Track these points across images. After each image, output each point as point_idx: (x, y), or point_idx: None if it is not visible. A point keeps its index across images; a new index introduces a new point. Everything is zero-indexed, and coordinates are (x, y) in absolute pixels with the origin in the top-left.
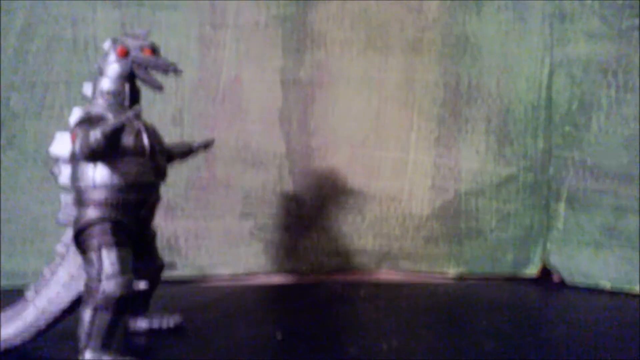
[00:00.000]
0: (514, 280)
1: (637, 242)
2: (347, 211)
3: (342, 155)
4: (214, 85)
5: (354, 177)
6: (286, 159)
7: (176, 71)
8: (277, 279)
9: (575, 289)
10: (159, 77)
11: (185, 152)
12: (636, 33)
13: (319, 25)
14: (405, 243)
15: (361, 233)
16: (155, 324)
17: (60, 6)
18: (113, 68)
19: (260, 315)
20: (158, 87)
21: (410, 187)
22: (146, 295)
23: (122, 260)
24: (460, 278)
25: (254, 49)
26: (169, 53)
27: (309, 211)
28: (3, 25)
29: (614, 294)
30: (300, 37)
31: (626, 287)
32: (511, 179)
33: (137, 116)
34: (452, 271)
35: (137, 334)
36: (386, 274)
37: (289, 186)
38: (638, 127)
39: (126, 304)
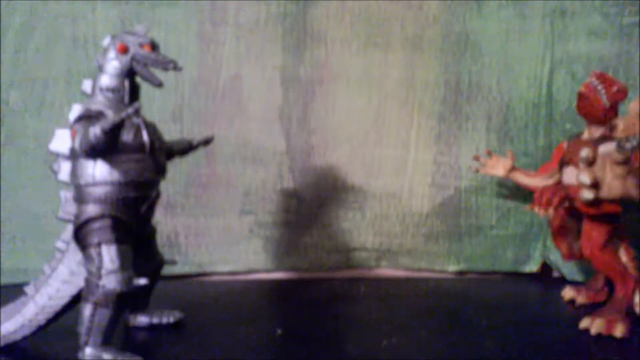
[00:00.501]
0: (514, 276)
1: (637, 240)
2: (347, 208)
3: (342, 152)
4: (213, 82)
5: (354, 174)
6: (286, 157)
7: (176, 68)
8: (277, 276)
9: (574, 285)
10: (159, 73)
11: (185, 149)
12: (637, 30)
13: (319, 23)
14: (405, 240)
15: (361, 230)
16: (155, 319)
17: (60, 3)
18: (112, 65)
19: (260, 311)
20: (157, 84)
21: (411, 185)
22: (146, 291)
23: (122, 257)
24: (460, 274)
25: (254, 47)
26: (168, 50)
27: (309, 208)
28: (3, 22)
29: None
30: (300, 35)
31: None
32: None
33: (137, 112)
34: (452, 268)
35: (137, 329)
36: (386, 271)
37: (289, 183)
38: (638, 124)
39: (126, 300)
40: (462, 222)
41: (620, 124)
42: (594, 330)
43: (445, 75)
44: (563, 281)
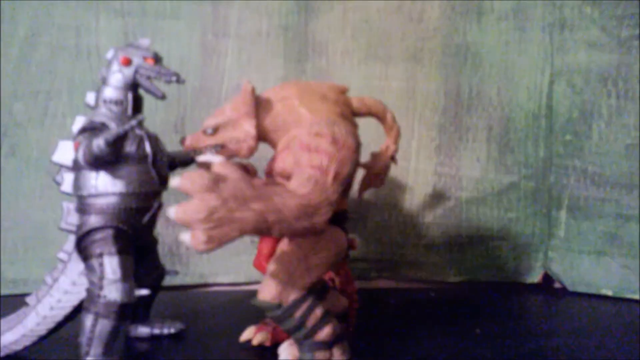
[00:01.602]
0: (516, 287)
1: (639, 250)
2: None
3: None
4: (216, 93)
5: (355, 184)
6: None
7: (178, 80)
8: None
9: (576, 295)
10: (163, 85)
11: (187, 160)
12: (636, 42)
13: (320, 35)
14: (406, 251)
15: (362, 240)
16: (156, 330)
17: (63, 15)
18: (116, 77)
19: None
20: (160, 96)
21: (411, 195)
22: (147, 301)
23: (123, 267)
24: (462, 285)
25: (256, 58)
26: (171, 61)
27: None
28: (7, 33)
29: (615, 300)
30: (301, 46)
31: (628, 294)
32: (512, 186)
33: (140, 124)
34: (453, 279)
35: (138, 340)
36: (387, 282)
37: None
38: (638, 135)
39: (127, 311)
40: (463, 232)
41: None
42: (242, 338)
43: (445, 86)
44: (565, 292)
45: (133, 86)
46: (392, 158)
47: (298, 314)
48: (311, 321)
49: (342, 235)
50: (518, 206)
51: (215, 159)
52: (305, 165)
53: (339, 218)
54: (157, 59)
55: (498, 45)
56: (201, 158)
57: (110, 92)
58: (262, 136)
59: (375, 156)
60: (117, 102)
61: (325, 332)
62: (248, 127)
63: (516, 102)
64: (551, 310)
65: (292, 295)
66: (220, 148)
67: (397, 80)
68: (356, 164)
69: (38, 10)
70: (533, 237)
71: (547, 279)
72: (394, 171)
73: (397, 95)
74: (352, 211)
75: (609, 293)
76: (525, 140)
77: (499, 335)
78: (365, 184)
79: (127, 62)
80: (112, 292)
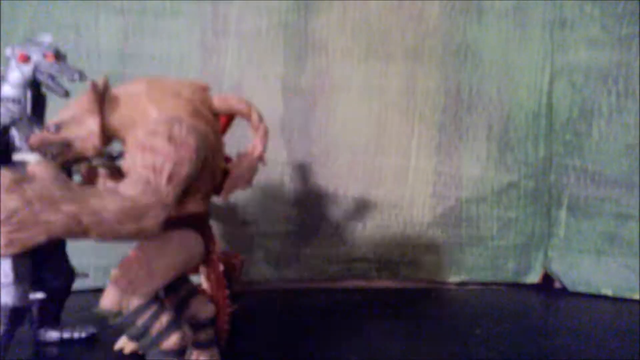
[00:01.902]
0: (516, 287)
1: (638, 249)
2: (348, 218)
3: (343, 162)
4: (215, 92)
5: (355, 184)
6: (287, 166)
7: (81, 77)
8: (278, 285)
9: (576, 295)
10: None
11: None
12: (636, 40)
13: (320, 33)
14: (406, 250)
15: (362, 240)
16: (67, 334)
17: (63, 14)
18: (14, 74)
19: (260, 321)
20: (62, 94)
21: (411, 194)
22: (57, 305)
23: (17, 270)
24: (461, 285)
25: (256, 56)
26: (171, 60)
27: (310, 218)
28: (6, 32)
29: (615, 300)
30: (301, 45)
31: (627, 294)
32: (512, 186)
33: (39, 121)
34: (453, 279)
35: (48, 344)
36: (387, 282)
37: (289, 193)
38: (639, 134)
39: (20, 316)
40: (463, 232)
41: None
42: (115, 347)
43: (445, 84)
44: (565, 292)
45: (33, 84)
46: (260, 159)
47: (140, 321)
48: (155, 329)
49: (196, 239)
50: (518, 205)
51: (31, 158)
52: (138, 165)
53: (195, 222)
54: (59, 56)
55: (498, 44)
56: (16, 157)
57: (8, 90)
58: (111, 134)
59: (240, 157)
60: (15, 101)
61: (171, 341)
62: (91, 125)
63: (516, 100)
64: (551, 310)
65: (134, 302)
66: (65, 146)
67: (397, 78)
68: (206, 165)
69: (38, 10)
70: (533, 237)
71: (547, 278)
72: (394, 170)
73: (397, 93)
74: (352, 210)
75: (609, 292)
76: (525, 139)
77: (499, 335)
78: (230, 185)
79: (25, 59)
80: (4, 295)
